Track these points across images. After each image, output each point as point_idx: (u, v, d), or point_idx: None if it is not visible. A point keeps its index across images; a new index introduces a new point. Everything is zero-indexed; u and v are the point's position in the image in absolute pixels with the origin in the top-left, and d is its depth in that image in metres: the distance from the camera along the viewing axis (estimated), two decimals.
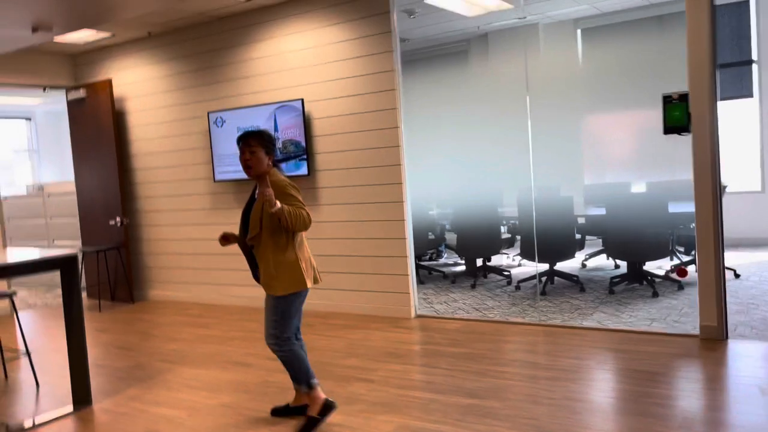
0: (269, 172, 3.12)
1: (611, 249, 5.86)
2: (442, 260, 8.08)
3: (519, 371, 3.79)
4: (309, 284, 3.17)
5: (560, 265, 6.18)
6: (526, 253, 6.07)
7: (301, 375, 3.23)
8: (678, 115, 4.02)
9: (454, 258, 8.12)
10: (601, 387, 3.50)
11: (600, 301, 5.44)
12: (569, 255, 5.99)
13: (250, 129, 3.35)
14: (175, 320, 5.88)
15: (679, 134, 4.09)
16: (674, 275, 5.81)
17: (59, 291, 8.11)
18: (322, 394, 3.25)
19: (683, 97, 4.04)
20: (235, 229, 6.19)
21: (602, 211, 6.11)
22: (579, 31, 8.47)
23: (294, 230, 3.08)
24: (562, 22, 8.53)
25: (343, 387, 3.74)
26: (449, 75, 8.11)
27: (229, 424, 3.32)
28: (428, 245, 7.45)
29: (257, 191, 3.20)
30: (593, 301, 5.43)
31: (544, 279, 6.10)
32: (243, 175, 5.99)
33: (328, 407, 3.23)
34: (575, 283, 6.08)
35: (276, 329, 3.17)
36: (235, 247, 6.17)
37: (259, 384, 3.88)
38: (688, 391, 3.34)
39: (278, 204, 2.97)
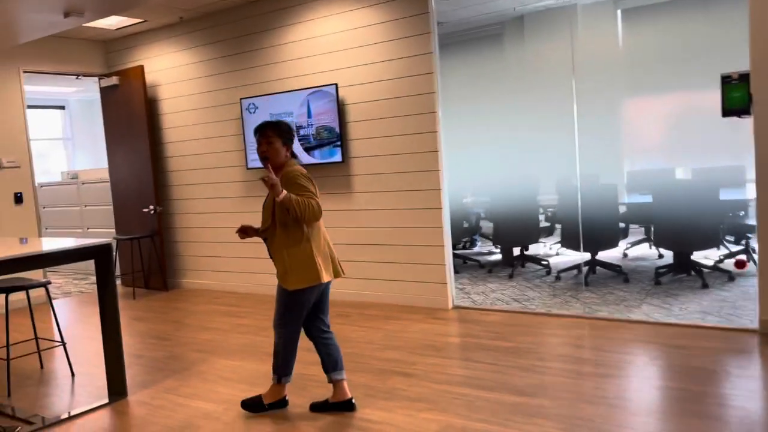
0: (286, 163, 3.09)
1: (658, 238, 5.60)
2: (476, 249, 7.89)
3: (567, 367, 3.62)
4: (326, 278, 3.11)
5: (600, 255, 5.96)
6: (568, 242, 5.86)
7: (278, 367, 3.23)
8: (738, 97, 3.77)
9: (488, 247, 7.94)
10: (656, 385, 3.31)
11: (646, 292, 5.21)
12: (613, 244, 5.76)
13: (271, 120, 3.25)
14: (209, 309, 5.82)
15: (739, 117, 3.84)
16: (732, 266, 5.54)
17: (94, 278, 8.15)
18: (284, 392, 3.30)
19: (744, 77, 3.78)
20: None
21: (647, 199, 5.86)
22: (619, 12, 8.15)
23: (303, 221, 3.00)
24: (602, 2, 8.20)
25: (381, 381, 3.61)
26: (483, 59, 7.88)
27: (267, 419, 3.22)
28: (463, 234, 7.27)
29: None
30: (639, 293, 5.21)
31: (585, 269, 5.89)
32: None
33: (279, 404, 3.29)
34: (618, 273, 5.85)
35: (282, 320, 3.16)
36: None
37: (297, 377, 3.78)
38: (748, 391, 3.13)
39: (284, 192, 2.91)
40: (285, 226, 3.05)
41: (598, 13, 8.22)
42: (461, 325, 4.68)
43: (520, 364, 3.72)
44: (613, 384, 3.33)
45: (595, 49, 7.00)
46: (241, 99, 6.07)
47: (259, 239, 3.52)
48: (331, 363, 3.24)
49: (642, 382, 3.35)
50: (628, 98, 7.33)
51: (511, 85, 6.90)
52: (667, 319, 4.43)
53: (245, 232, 3.20)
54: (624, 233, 5.98)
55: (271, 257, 3.19)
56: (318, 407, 3.29)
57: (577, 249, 5.73)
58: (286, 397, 3.32)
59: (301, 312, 3.15)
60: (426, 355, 4.02)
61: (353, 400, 3.25)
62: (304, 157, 5.71)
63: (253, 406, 3.30)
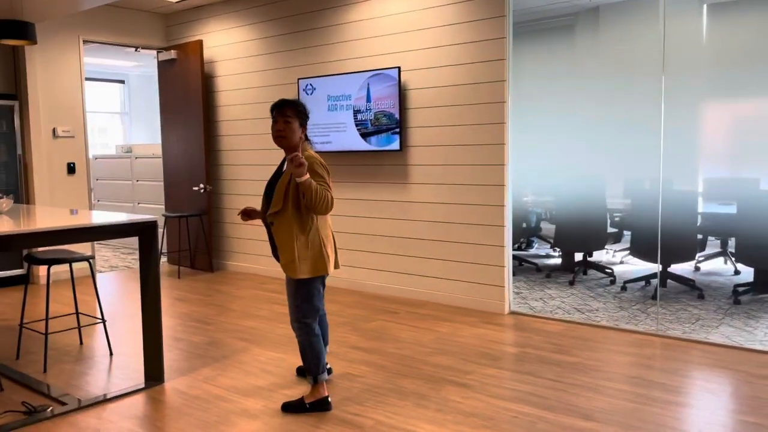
0: (300, 146, 3.03)
1: (740, 252, 5.12)
2: (532, 251, 7.49)
3: (639, 391, 3.25)
4: (330, 270, 3.05)
5: (672, 267, 5.50)
6: (639, 251, 5.42)
7: (311, 367, 3.10)
8: None
9: (545, 249, 7.53)
10: (746, 421, 2.92)
11: (724, 312, 4.76)
12: (689, 257, 5.30)
13: (288, 98, 3.12)
14: (254, 294, 5.64)
15: None
16: None
17: None
18: (325, 391, 3.12)
19: None
20: None
21: (728, 209, 5.37)
22: (705, 6, 7.57)
23: (315, 210, 2.88)
24: None
25: (434, 390, 3.32)
26: (553, 50, 7.44)
27: (308, 422, 2.97)
28: (521, 234, 6.89)
29: (285, 164, 3.03)
30: (716, 312, 4.76)
31: (656, 281, 5.45)
32: (332, 147, 5.64)
33: (322, 404, 3.08)
34: (692, 288, 5.39)
35: (299, 313, 3.05)
36: None
37: (342, 377, 3.53)
38: None
39: (307, 175, 2.80)
40: (298, 211, 2.95)
41: (681, 7, 7.66)
42: (519, 333, 4.35)
43: (585, 383, 3.37)
44: (695, 416, 2.95)
45: (678, 45, 6.49)
46: (298, 79, 5.84)
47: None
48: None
49: (729, 416, 2.96)
50: (710, 100, 6.78)
51: (583, 79, 6.46)
52: (751, 344, 4.00)
53: (248, 215, 3.13)
54: (701, 246, 5.51)
55: (272, 243, 3.07)
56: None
57: (650, 259, 5.29)
58: (329, 397, 3.12)
59: (317, 301, 3.06)
60: (481, 364, 3.71)
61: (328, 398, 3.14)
62: (359, 144, 5.44)
63: (294, 407, 3.10)
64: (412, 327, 4.51)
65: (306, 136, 3.07)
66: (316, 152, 3.08)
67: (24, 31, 3.63)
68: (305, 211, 2.94)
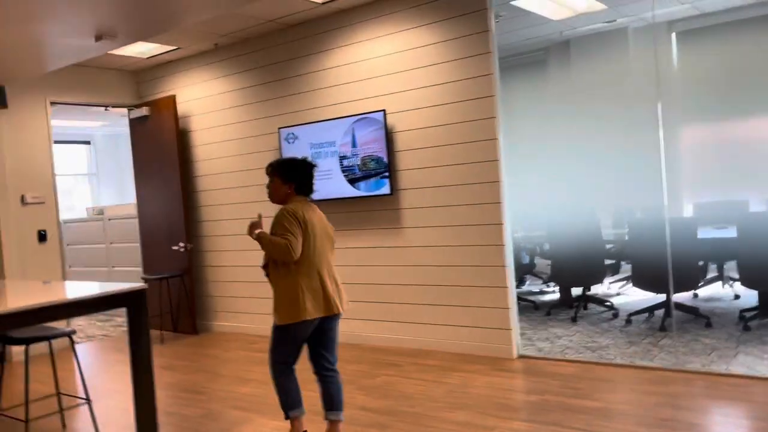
0: (288, 200, 3.22)
1: (743, 276, 5.02)
2: (524, 287, 7.33)
3: None
4: (312, 315, 3.06)
5: (674, 296, 5.38)
6: (641, 282, 5.28)
7: (280, 403, 3.19)
8: None
9: (537, 285, 7.38)
10: None
11: (736, 339, 4.62)
12: (691, 284, 5.19)
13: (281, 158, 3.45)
14: (244, 356, 5.32)
15: None
16: None
17: (119, 320, 7.70)
18: (302, 427, 3.20)
19: None
20: None
21: (725, 233, 5.30)
22: (674, 35, 7.70)
23: (276, 258, 3.08)
24: (654, 24, 7.76)
25: None
26: (530, 85, 7.46)
27: None
28: (516, 271, 6.73)
29: None
30: (727, 340, 4.62)
31: (656, 312, 5.31)
32: (318, 195, 5.43)
33: None
34: (696, 316, 5.26)
35: (272, 354, 3.19)
36: None
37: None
38: None
39: (258, 231, 3.11)
40: (275, 263, 3.13)
41: (649, 37, 7.77)
42: (532, 378, 4.13)
43: (618, 431, 3.15)
44: None
45: (647, 72, 6.56)
46: (279, 128, 5.67)
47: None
48: (327, 401, 3.22)
49: None
50: (687, 125, 6.81)
51: (574, 111, 6.44)
52: None
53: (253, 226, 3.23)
54: (703, 272, 5.41)
55: None
56: None
57: (654, 289, 5.16)
58: None
59: (290, 348, 3.15)
60: (502, 417, 3.47)
61: None
62: (347, 190, 5.26)
63: None
64: (420, 380, 4.25)
65: (297, 188, 3.22)
66: (310, 201, 3.28)
67: None
68: (279, 262, 3.09)
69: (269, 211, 5.96)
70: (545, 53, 8.26)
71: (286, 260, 3.03)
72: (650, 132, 4.32)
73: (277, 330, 3.13)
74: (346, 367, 4.70)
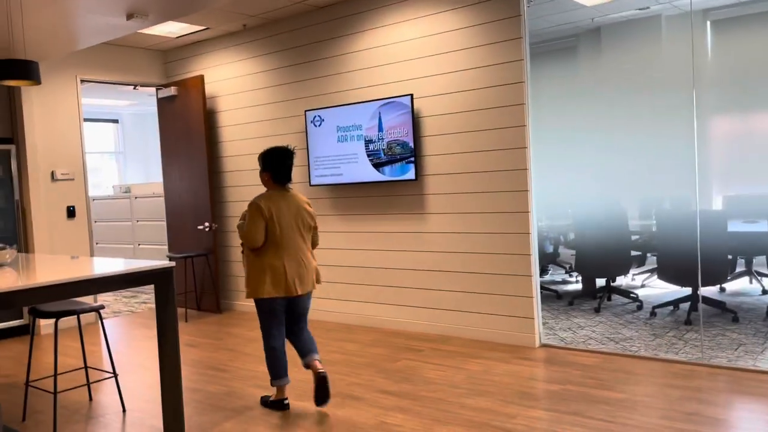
0: (267, 187, 3.63)
1: None
2: (547, 277, 7.28)
3: (705, 430, 3.01)
4: (270, 293, 3.48)
5: (701, 290, 5.30)
6: (667, 274, 5.21)
7: (270, 372, 3.62)
8: None
9: (560, 275, 7.32)
10: None
11: (764, 335, 4.54)
12: (720, 278, 5.10)
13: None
14: None
15: None
16: None
17: (145, 297, 7.82)
18: (284, 394, 3.63)
19: None
20: (331, 238, 5.71)
21: (759, 227, 5.20)
22: (709, 23, 7.51)
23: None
24: (689, 12, 7.59)
25: None
26: (557, 72, 7.34)
27: None
28: (540, 260, 6.69)
29: None
30: (755, 335, 4.55)
31: (681, 305, 5.24)
32: (341, 180, 5.45)
33: (280, 404, 3.62)
34: (723, 310, 5.18)
35: (260, 325, 3.71)
36: (332, 259, 5.64)
37: (376, 427, 3.27)
38: None
39: (240, 221, 3.62)
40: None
41: (682, 24, 7.59)
42: (555, 368, 4.11)
43: (641, 423, 3.13)
44: None
45: (682, 62, 6.42)
46: (305, 111, 5.67)
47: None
48: (300, 350, 3.68)
49: None
50: (720, 115, 6.66)
51: (604, 98, 6.33)
52: None
53: None
54: (732, 266, 5.32)
55: None
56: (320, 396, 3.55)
57: (680, 282, 5.09)
58: (285, 400, 3.62)
59: (268, 317, 3.57)
60: (524, 405, 3.47)
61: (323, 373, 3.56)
62: (372, 174, 5.25)
63: (263, 402, 3.70)
64: (441, 366, 4.26)
65: (273, 177, 3.58)
66: (285, 191, 3.64)
67: (28, 70, 3.45)
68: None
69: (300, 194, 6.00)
70: (575, 40, 8.11)
71: (248, 245, 3.52)
72: (684, 122, 4.23)
73: (256, 303, 3.61)
74: (366, 350, 4.73)
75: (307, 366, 3.62)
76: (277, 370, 3.59)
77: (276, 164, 3.57)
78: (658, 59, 6.60)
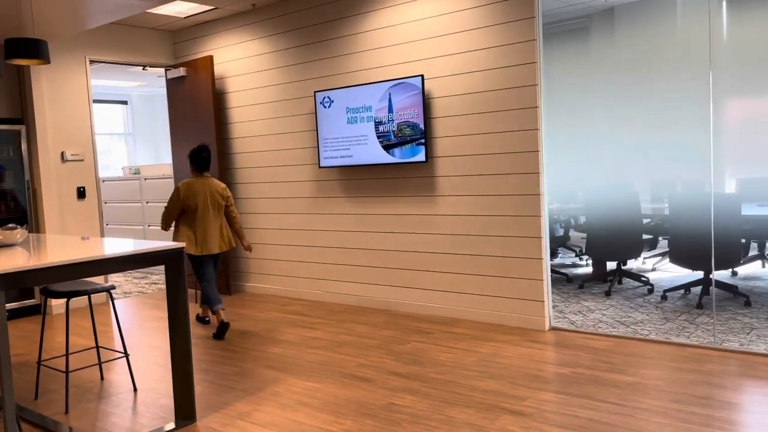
0: (192, 175, 4.99)
1: None
2: (556, 260, 7.25)
3: (712, 413, 3.00)
4: (190, 251, 4.85)
5: (713, 274, 5.25)
6: (680, 258, 5.17)
7: (209, 303, 4.86)
8: None
9: (570, 258, 7.28)
10: None
11: None
12: (732, 262, 5.06)
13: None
14: (276, 318, 5.39)
15: None
16: None
17: (154, 278, 7.86)
18: (223, 317, 4.82)
19: None
20: (340, 220, 5.69)
21: None
22: (724, 3, 7.37)
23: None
24: None
25: (489, 420, 3.07)
26: (569, 53, 7.23)
27: None
28: (550, 243, 6.65)
29: None
30: (767, 320, 4.51)
31: (692, 289, 5.21)
32: (352, 161, 5.42)
33: (223, 326, 4.79)
34: (735, 294, 5.14)
35: (195, 275, 5.00)
36: (342, 241, 5.63)
37: (385, 408, 3.28)
38: None
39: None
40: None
41: (699, 5, 7.47)
42: (565, 351, 4.10)
43: (652, 407, 3.12)
44: None
45: (725, 40, 6.30)
46: (315, 92, 5.63)
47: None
48: (205, 300, 4.90)
49: None
50: (736, 97, 6.56)
51: (616, 79, 6.24)
52: None
53: None
54: (745, 250, 5.27)
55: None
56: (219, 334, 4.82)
57: (692, 266, 5.05)
58: (224, 321, 4.80)
59: (198, 268, 4.90)
60: (534, 388, 3.46)
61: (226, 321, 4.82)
62: (382, 156, 5.22)
63: (198, 319, 5.35)
64: (450, 348, 4.26)
65: (193, 167, 4.93)
66: (203, 178, 4.93)
67: (37, 49, 3.43)
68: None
69: (307, 176, 5.97)
70: (589, 20, 7.99)
71: (162, 226, 4.90)
72: (699, 104, 4.16)
73: (188, 257, 4.98)
74: (376, 332, 4.73)
75: (215, 313, 4.81)
76: (214, 298, 4.85)
77: (194, 157, 4.86)
78: (673, 40, 6.49)
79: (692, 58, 4.87)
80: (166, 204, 4.87)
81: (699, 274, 5.15)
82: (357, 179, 5.55)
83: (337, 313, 5.41)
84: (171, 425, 3.20)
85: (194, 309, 5.92)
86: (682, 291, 5.36)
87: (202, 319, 5.29)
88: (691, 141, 4.82)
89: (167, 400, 3.56)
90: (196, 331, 5.09)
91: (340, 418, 3.19)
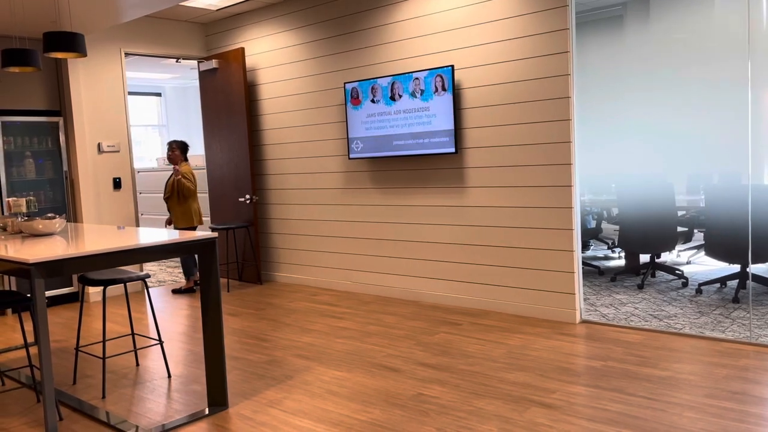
0: (181, 164, 6.26)
1: None
2: (588, 253, 7.16)
3: (751, 410, 2.94)
4: (195, 223, 6.17)
5: (750, 268, 5.13)
6: (716, 251, 5.06)
7: (186, 272, 6.23)
8: None
9: (602, 250, 7.19)
10: None
11: None
12: None
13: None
14: (306, 307, 5.45)
15: None
16: None
17: None
18: (191, 284, 6.31)
19: None
20: (370, 212, 5.72)
21: None
22: None
23: (186, 195, 6.19)
24: None
25: (517, 412, 3.06)
26: (603, 42, 7.10)
27: None
28: (582, 236, 6.57)
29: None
30: None
31: (728, 282, 5.10)
32: (380, 153, 5.43)
33: (190, 290, 6.30)
34: None
35: None
36: (371, 232, 5.65)
37: (413, 398, 3.30)
38: None
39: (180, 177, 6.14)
40: (179, 194, 6.16)
41: None
42: (596, 344, 4.06)
43: (684, 401, 3.07)
44: None
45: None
46: (345, 83, 5.64)
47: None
48: (186, 271, 6.30)
49: None
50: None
51: (651, 69, 6.12)
52: None
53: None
54: None
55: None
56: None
57: (728, 260, 4.94)
58: (193, 288, 6.33)
59: None
60: (564, 381, 3.44)
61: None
62: (412, 147, 5.21)
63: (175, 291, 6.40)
64: (479, 340, 4.25)
65: (184, 156, 6.31)
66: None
67: (74, 43, 3.51)
68: (182, 195, 6.17)
69: (337, 167, 6.00)
70: (623, 8, 7.83)
71: (189, 196, 6.15)
72: (737, 93, 4.06)
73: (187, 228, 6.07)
74: (404, 323, 4.75)
75: (194, 275, 6.28)
76: (191, 267, 6.23)
77: (185, 148, 6.25)
78: (710, 27, 6.33)
79: (730, 45, 4.74)
80: (190, 184, 6.13)
81: (735, 268, 5.04)
82: (386, 170, 5.56)
83: (366, 304, 5.44)
84: (204, 411, 3.27)
85: (226, 298, 6.02)
86: (717, 285, 5.26)
87: (186, 290, 6.32)
88: (728, 131, 4.70)
89: (200, 386, 3.64)
90: (227, 319, 5.18)
91: (369, 407, 3.22)
